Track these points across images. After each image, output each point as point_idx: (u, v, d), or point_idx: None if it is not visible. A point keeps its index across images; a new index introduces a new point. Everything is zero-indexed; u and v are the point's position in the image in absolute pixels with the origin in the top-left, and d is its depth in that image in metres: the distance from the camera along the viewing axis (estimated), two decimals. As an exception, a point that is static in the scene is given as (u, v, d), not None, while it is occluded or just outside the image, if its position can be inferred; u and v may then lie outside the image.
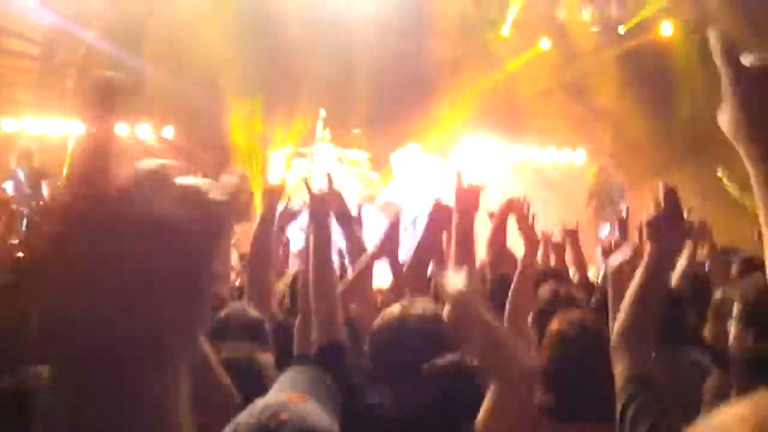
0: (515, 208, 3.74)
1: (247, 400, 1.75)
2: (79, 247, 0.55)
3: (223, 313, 2.83)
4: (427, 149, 11.21)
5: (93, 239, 0.55)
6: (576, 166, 12.51)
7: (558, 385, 2.36)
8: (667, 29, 11.93)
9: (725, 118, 1.01)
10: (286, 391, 1.74)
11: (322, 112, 10.82)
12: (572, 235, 4.90)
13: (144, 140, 10.81)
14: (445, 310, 2.60)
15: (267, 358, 2.03)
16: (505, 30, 12.22)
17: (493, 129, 12.22)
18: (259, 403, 1.46)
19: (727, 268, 4.33)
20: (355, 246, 3.62)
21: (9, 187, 8.22)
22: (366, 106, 11.04)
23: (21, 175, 8.42)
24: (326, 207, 2.90)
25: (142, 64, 10.81)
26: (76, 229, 0.56)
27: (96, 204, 0.56)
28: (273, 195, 3.67)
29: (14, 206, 4.36)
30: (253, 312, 2.87)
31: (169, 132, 10.92)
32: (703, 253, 4.65)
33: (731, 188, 8.70)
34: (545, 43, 12.45)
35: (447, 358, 2.18)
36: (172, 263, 0.56)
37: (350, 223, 3.54)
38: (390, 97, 11.05)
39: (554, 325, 2.56)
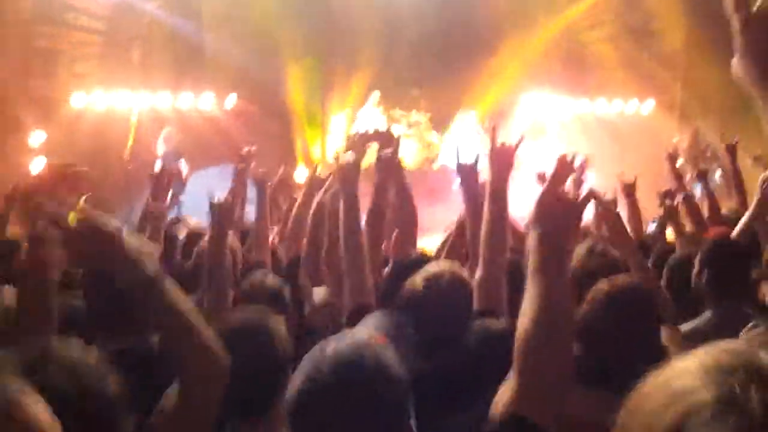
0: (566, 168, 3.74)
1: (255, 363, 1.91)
2: None
3: (246, 282, 3.02)
4: (486, 107, 11.03)
5: None
6: (643, 118, 12.13)
7: (599, 348, 2.33)
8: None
9: (737, 63, 1.11)
10: (371, 331, 1.83)
11: (376, 95, 10.87)
12: (628, 189, 4.73)
13: (206, 110, 11.05)
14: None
15: (277, 322, 2.13)
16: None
17: (556, 82, 11.93)
18: (344, 335, 1.56)
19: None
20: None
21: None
22: (424, 65, 10.97)
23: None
24: (354, 176, 3.03)
25: (202, 34, 11.00)
26: None
27: None
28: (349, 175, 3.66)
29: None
30: (272, 279, 3.02)
31: (231, 100, 11.11)
32: None
33: None
34: (608, -14, 12.01)
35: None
36: None
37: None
38: (448, 56, 10.93)
39: (602, 286, 2.50)
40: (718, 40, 10.74)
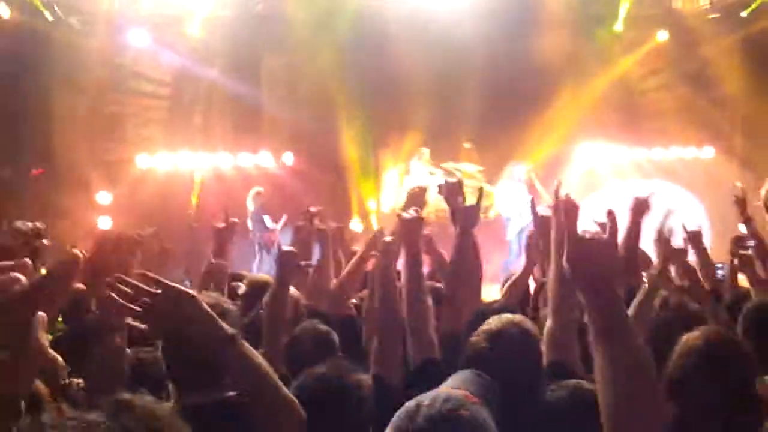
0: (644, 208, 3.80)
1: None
2: None
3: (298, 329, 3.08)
4: (539, 158, 10.99)
5: None
6: (703, 163, 11.91)
7: (697, 405, 2.27)
8: (792, 9, 11.16)
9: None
10: (461, 389, 1.84)
11: (425, 152, 11.03)
12: (697, 237, 4.57)
13: (266, 167, 11.35)
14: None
15: (360, 379, 2.15)
16: (618, 26, 11.83)
17: (611, 131, 11.83)
18: (439, 393, 1.56)
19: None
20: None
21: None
22: (476, 118, 11.02)
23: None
24: (418, 232, 3.06)
25: (259, 96, 11.38)
26: None
27: None
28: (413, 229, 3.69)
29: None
30: (321, 326, 3.10)
31: (288, 158, 11.39)
32: None
33: None
34: (662, 35, 11.97)
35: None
36: None
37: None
38: (500, 108, 10.95)
39: (694, 340, 2.43)
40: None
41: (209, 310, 1.67)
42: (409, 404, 1.51)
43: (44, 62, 10.51)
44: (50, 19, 10.54)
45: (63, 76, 10.49)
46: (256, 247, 10.14)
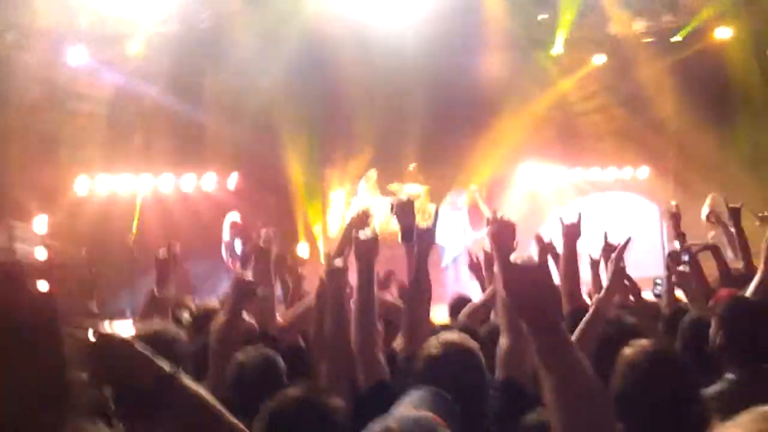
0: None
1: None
2: None
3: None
4: (483, 179, 11.14)
5: None
6: (639, 183, 12.29)
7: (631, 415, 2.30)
8: (722, 34, 11.64)
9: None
10: (422, 409, 1.81)
11: (373, 175, 11.07)
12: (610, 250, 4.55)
13: (208, 191, 11.17)
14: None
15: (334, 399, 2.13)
16: (557, 48, 12.14)
17: (550, 153, 12.13)
18: (407, 416, 1.54)
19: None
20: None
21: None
22: (420, 139, 11.14)
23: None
24: (373, 252, 3.07)
25: (202, 116, 11.22)
26: None
27: None
28: (359, 223, 3.72)
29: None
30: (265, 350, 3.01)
31: (233, 179, 11.23)
32: None
33: None
34: (599, 59, 12.33)
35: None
36: None
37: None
38: (444, 129, 11.13)
39: (627, 353, 2.49)
40: (708, 104, 11.05)
41: (144, 351, 1.63)
42: (375, 428, 1.49)
43: (-25, 78, 10.15)
44: (-16, 33, 10.17)
45: (-4, 93, 10.15)
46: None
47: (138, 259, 9.15)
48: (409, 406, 1.98)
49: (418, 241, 3.43)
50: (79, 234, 9.84)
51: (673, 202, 11.14)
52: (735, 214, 5.27)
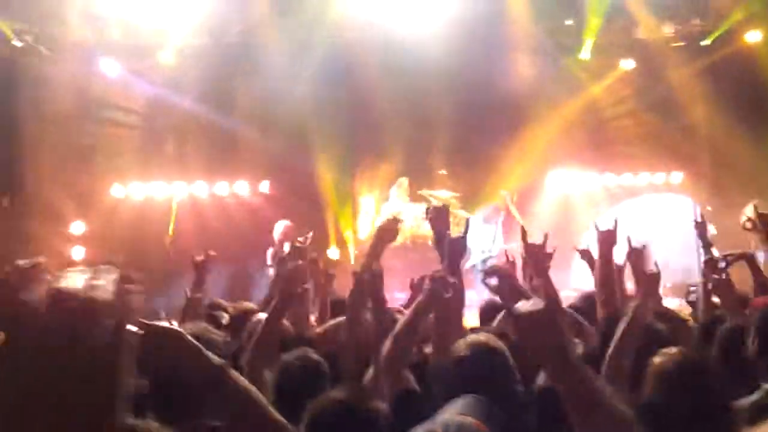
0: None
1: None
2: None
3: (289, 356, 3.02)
4: (513, 185, 11.08)
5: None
6: (673, 189, 12.17)
7: (659, 423, 2.31)
8: (753, 37, 11.52)
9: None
10: (466, 415, 1.84)
11: (404, 181, 11.08)
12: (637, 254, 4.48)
13: (242, 196, 11.30)
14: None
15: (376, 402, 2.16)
16: (585, 53, 12.09)
17: (581, 158, 12.06)
18: (451, 421, 1.56)
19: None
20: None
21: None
22: (450, 145, 11.16)
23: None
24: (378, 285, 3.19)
25: (235, 125, 11.36)
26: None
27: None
28: (385, 237, 3.76)
29: None
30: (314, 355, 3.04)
31: (265, 186, 11.35)
32: None
33: None
34: (628, 63, 12.26)
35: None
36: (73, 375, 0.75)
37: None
38: (473, 135, 11.13)
39: (657, 361, 2.50)
40: (741, 108, 10.93)
41: (196, 343, 1.67)
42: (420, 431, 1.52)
43: (12, 90, 10.34)
44: (19, 45, 10.40)
45: (31, 105, 10.36)
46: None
47: (174, 261, 9.29)
48: (453, 411, 2.00)
49: (450, 249, 3.45)
50: (115, 238, 10.02)
51: (709, 208, 11.12)
52: (767, 221, 5.06)
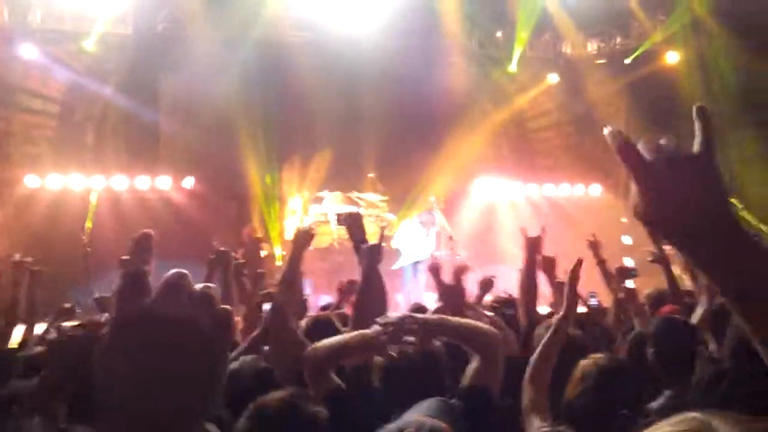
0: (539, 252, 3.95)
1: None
2: (125, 341, 0.77)
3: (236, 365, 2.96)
4: (440, 191, 11.20)
5: (134, 337, 0.77)
6: (592, 200, 12.57)
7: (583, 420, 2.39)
8: (672, 57, 12.06)
9: (635, 205, 0.97)
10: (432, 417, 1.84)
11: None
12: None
13: (165, 191, 10.95)
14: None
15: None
16: (512, 66, 12.38)
17: (507, 167, 12.34)
18: (422, 421, 1.56)
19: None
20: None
21: None
22: (379, 150, 11.20)
23: None
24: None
25: (157, 117, 11.03)
26: (122, 329, 0.78)
27: (135, 311, 0.78)
28: (303, 239, 3.74)
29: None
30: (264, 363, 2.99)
31: (188, 182, 11.05)
32: None
33: (748, 218, 8.75)
34: (553, 78, 12.63)
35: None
36: (190, 356, 0.77)
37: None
38: (402, 141, 11.20)
39: (582, 364, 2.59)
40: (657, 124, 11.40)
41: None
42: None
43: None
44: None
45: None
46: None
47: (90, 256, 8.96)
48: (420, 413, 2.00)
49: (366, 256, 3.48)
50: (28, 230, 9.57)
51: (624, 219, 11.53)
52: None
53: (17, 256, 4.09)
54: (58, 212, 10.11)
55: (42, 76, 10.65)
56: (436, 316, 2.93)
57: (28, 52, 10.37)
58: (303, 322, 3.56)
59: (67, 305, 4.36)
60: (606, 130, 0.96)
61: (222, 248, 4.40)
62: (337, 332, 3.30)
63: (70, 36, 10.62)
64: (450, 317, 2.87)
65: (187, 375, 0.77)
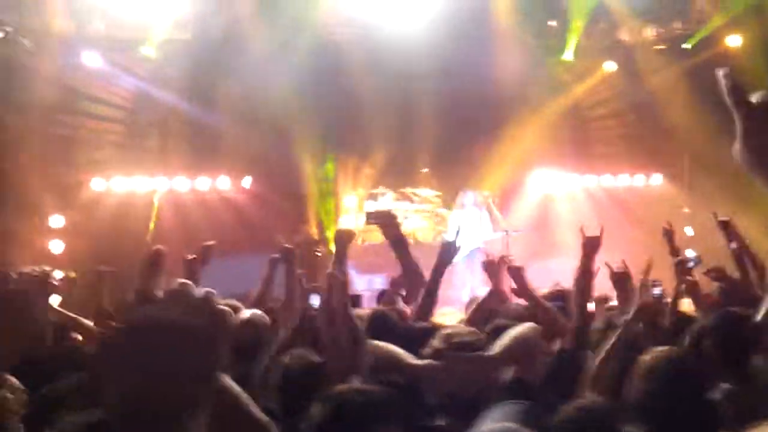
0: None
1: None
2: (130, 340, 0.88)
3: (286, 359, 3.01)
4: (495, 185, 11.12)
5: (138, 338, 0.88)
6: (653, 190, 12.30)
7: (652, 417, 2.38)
8: (733, 41, 11.65)
9: (737, 149, 1.14)
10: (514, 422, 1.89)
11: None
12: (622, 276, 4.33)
13: (224, 191, 11.24)
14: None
15: None
16: (568, 54, 12.17)
17: (563, 158, 12.16)
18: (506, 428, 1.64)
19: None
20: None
21: None
22: (433, 144, 11.20)
23: None
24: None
25: (218, 120, 11.30)
26: (128, 329, 0.90)
27: (139, 314, 0.91)
28: (344, 238, 3.81)
29: None
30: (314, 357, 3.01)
31: (247, 182, 11.30)
32: None
33: None
34: (610, 65, 12.37)
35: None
36: (189, 357, 0.87)
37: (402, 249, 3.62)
38: (455, 134, 11.17)
39: (645, 359, 2.57)
40: (720, 111, 11.04)
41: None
42: None
43: (-7, 82, 10.26)
44: (0, 36, 10.30)
45: (13, 97, 10.25)
46: None
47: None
48: (502, 420, 2.04)
49: (440, 255, 3.53)
50: (95, 232, 9.95)
51: (687, 210, 11.26)
52: (724, 227, 4.95)
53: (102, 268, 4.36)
54: (124, 214, 10.50)
55: (105, 83, 11.03)
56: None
57: (91, 59, 10.75)
58: (363, 313, 3.61)
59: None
60: (719, 72, 1.15)
61: (287, 245, 4.46)
62: (396, 330, 3.37)
63: (131, 43, 10.96)
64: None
65: (180, 372, 0.88)
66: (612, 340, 3.13)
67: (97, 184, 10.75)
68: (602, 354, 3.05)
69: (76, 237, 10.04)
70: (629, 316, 3.31)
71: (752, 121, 1.11)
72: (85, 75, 10.88)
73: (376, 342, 2.97)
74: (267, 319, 3.70)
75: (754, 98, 1.12)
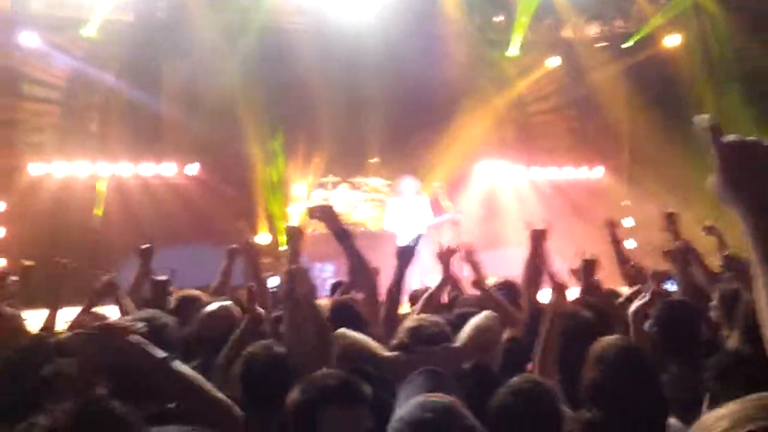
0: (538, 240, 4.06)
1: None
2: None
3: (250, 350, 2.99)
4: (443, 175, 11.21)
5: None
6: (594, 182, 12.63)
7: (604, 402, 2.47)
8: (672, 41, 12.05)
9: (714, 183, 1.23)
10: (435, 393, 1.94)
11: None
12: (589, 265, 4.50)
13: (170, 178, 10.99)
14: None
15: None
16: (513, 50, 12.38)
17: (509, 150, 12.38)
18: (430, 401, 1.74)
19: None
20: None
21: None
22: (381, 134, 11.25)
23: None
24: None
25: (161, 104, 11.04)
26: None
27: None
28: (295, 235, 3.79)
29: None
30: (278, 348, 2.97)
31: (193, 169, 11.07)
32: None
33: None
34: (554, 61, 12.64)
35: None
36: None
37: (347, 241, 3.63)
38: (404, 125, 11.25)
39: (597, 347, 2.67)
40: (659, 107, 11.44)
41: (138, 341, 2.01)
42: (408, 415, 1.74)
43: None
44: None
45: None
46: None
47: (102, 242, 9.03)
48: (421, 390, 2.06)
49: (398, 258, 3.61)
50: (36, 217, 9.63)
51: (628, 202, 11.61)
52: (670, 219, 5.15)
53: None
54: (65, 199, 10.17)
55: (44, 64, 10.63)
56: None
57: (29, 39, 10.36)
58: (324, 304, 3.64)
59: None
60: (698, 119, 1.24)
61: (249, 240, 4.49)
62: (359, 320, 3.40)
63: (71, 23, 10.57)
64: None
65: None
66: (543, 332, 3.21)
67: (35, 169, 10.36)
68: (541, 343, 3.15)
69: (16, 223, 9.68)
70: (552, 307, 3.38)
71: (728, 159, 1.21)
72: (22, 55, 10.46)
73: (347, 331, 3.00)
74: (237, 309, 3.68)
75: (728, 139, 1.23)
